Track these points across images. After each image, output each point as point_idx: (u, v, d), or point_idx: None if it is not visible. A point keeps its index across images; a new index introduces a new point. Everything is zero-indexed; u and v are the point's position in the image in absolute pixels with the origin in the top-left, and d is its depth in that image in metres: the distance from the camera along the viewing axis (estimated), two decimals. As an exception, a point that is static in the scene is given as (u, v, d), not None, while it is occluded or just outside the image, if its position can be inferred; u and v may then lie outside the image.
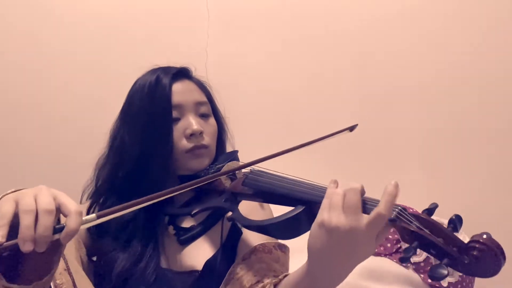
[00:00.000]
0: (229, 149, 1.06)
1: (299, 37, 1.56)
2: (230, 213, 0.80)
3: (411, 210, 1.34)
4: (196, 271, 0.84)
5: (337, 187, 0.67)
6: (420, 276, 1.23)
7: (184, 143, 0.90)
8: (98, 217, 0.59)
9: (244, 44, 1.56)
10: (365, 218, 0.60)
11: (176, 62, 1.01)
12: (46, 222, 0.54)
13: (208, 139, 0.93)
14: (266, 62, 1.56)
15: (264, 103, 1.57)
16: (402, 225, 0.60)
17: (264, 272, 0.81)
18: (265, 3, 1.55)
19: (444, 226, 0.60)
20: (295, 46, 1.56)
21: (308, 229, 0.68)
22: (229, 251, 0.89)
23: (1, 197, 0.59)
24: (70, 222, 0.55)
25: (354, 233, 0.60)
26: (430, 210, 0.63)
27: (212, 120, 0.97)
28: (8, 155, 1.56)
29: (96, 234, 0.90)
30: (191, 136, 0.90)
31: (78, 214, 0.55)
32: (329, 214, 0.62)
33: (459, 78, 1.55)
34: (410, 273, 1.24)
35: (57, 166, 1.56)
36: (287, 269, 0.88)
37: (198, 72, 1.04)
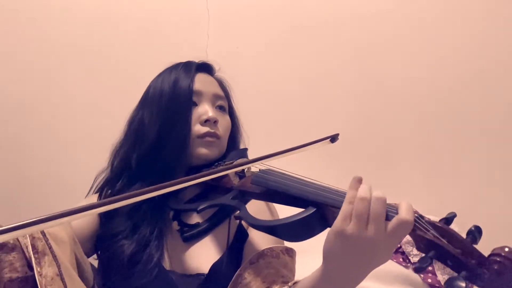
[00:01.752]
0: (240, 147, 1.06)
1: (299, 37, 1.56)
2: (237, 212, 0.78)
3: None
4: (202, 274, 0.82)
5: (357, 189, 0.63)
6: (420, 276, 1.23)
7: (198, 128, 0.90)
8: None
9: (244, 44, 1.56)
10: (388, 226, 0.58)
11: (176, 62, 1.01)
12: None
13: (221, 131, 0.94)
14: (266, 62, 1.56)
15: (264, 103, 1.57)
16: (418, 233, 0.57)
17: (273, 278, 0.80)
18: (265, 4, 1.55)
19: (462, 236, 0.57)
20: (295, 46, 1.56)
21: (317, 232, 0.66)
22: (235, 253, 0.86)
23: None
24: None
25: (376, 243, 0.58)
26: (448, 220, 0.59)
27: (227, 117, 0.99)
28: (8, 155, 1.56)
29: (104, 217, 0.89)
30: (206, 122, 0.91)
31: None
32: (353, 223, 0.59)
33: (459, 78, 1.55)
34: (410, 273, 1.24)
35: (58, 165, 1.56)
36: (294, 275, 0.86)
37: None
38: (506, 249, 0.52)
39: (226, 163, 0.90)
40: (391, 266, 1.25)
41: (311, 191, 0.70)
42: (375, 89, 1.56)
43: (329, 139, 0.84)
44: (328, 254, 0.64)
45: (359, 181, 0.65)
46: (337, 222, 0.61)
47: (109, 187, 0.93)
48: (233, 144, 1.02)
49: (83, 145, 1.54)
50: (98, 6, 1.54)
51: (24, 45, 1.53)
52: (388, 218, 0.58)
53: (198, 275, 0.82)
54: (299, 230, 0.68)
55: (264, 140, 1.56)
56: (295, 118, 1.57)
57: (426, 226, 0.57)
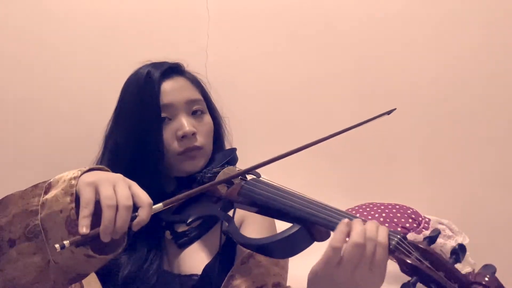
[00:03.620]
0: (227, 146, 1.05)
1: (300, 37, 1.56)
2: (226, 225, 0.77)
3: (413, 215, 1.34)
4: (196, 275, 0.83)
5: (349, 231, 0.58)
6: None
7: (175, 146, 0.87)
8: (165, 205, 0.64)
9: (244, 44, 1.56)
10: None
11: (194, 72, 1.00)
12: (126, 217, 0.59)
13: (202, 140, 0.90)
14: (266, 63, 1.56)
15: (264, 103, 1.57)
16: (400, 257, 0.57)
17: (263, 278, 0.80)
18: (265, 4, 1.55)
19: (445, 255, 0.57)
20: (296, 46, 1.56)
21: (305, 247, 0.66)
22: (227, 254, 0.87)
23: (80, 175, 0.64)
24: (142, 213, 0.61)
25: (364, 282, 0.57)
26: (432, 238, 0.58)
27: (206, 118, 0.94)
28: (7, 155, 1.55)
29: None
30: (183, 138, 0.87)
31: (150, 206, 0.62)
32: (342, 269, 0.57)
33: (460, 79, 1.55)
34: (410, 273, 1.24)
35: (56, 165, 1.56)
36: (286, 271, 0.87)
37: (198, 71, 1.03)
38: (487, 278, 0.52)
39: (214, 170, 0.89)
40: (391, 266, 1.24)
41: (297, 207, 0.68)
42: (376, 89, 1.56)
43: (386, 114, 0.87)
44: (312, 284, 0.63)
45: (347, 225, 0.59)
46: (321, 266, 0.59)
47: None
48: (219, 143, 1.00)
49: (83, 145, 1.54)
50: (98, 6, 1.53)
51: (24, 46, 1.53)
52: None
53: (192, 275, 0.84)
54: (284, 248, 0.67)
55: (264, 140, 1.56)
56: (295, 118, 1.56)
57: (409, 249, 0.57)
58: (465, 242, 1.29)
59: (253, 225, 0.90)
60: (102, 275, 0.86)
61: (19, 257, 0.63)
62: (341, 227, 0.59)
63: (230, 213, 0.81)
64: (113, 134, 0.93)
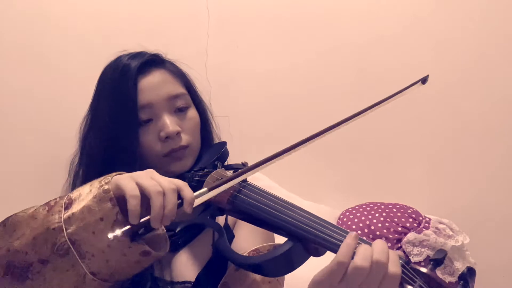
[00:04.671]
0: (215, 140, 1.01)
1: (300, 37, 1.56)
2: (216, 236, 0.71)
3: (414, 215, 1.33)
4: (189, 282, 0.81)
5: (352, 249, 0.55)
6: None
7: (159, 147, 0.83)
8: (210, 190, 0.64)
9: (244, 44, 1.56)
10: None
11: (176, 62, 1.00)
12: (174, 200, 0.60)
13: (188, 137, 0.85)
14: (266, 62, 1.56)
15: (264, 103, 1.56)
16: (404, 285, 0.53)
17: (258, 286, 0.78)
18: (265, 3, 1.55)
19: (448, 281, 0.55)
20: (296, 46, 1.56)
21: (301, 263, 0.63)
22: (220, 259, 0.84)
23: (110, 179, 0.64)
24: (186, 194, 0.61)
25: None
26: (437, 261, 0.54)
27: (191, 113, 0.88)
28: (6, 155, 1.55)
29: None
30: (167, 138, 0.82)
31: (187, 185, 0.63)
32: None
33: (460, 78, 1.55)
34: (410, 273, 1.24)
35: (53, 165, 1.56)
36: (283, 279, 0.84)
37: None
38: None
39: (201, 172, 0.83)
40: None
41: (292, 223, 0.63)
42: (376, 89, 1.56)
43: (420, 82, 0.79)
44: None
45: (355, 238, 0.56)
46: (324, 277, 0.56)
47: None
48: (207, 137, 0.94)
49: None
50: (98, 6, 1.53)
51: (24, 45, 1.53)
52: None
53: (185, 282, 0.81)
54: (279, 265, 0.62)
55: (264, 139, 1.56)
56: (295, 117, 1.56)
57: (412, 276, 0.54)
58: (466, 241, 1.29)
59: (246, 227, 0.84)
60: None
61: (54, 274, 0.63)
62: (349, 240, 0.56)
63: (221, 219, 0.76)
64: (88, 135, 0.89)
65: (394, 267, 0.53)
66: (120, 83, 0.81)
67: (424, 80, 0.77)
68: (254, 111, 1.56)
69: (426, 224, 1.29)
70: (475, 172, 1.54)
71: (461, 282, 0.53)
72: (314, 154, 1.49)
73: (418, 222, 1.29)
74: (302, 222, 0.63)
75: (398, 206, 1.35)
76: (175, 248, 0.85)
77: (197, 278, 0.81)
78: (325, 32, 1.56)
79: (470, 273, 0.53)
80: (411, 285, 0.53)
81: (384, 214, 1.31)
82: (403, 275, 0.53)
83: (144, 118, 0.82)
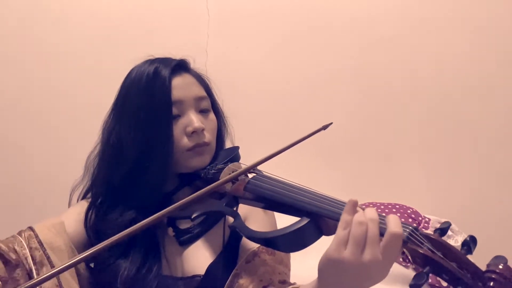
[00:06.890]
0: (228, 144, 1.04)
1: (299, 37, 1.56)
2: (232, 220, 0.76)
3: (413, 215, 1.34)
4: (198, 275, 0.82)
5: (353, 214, 0.60)
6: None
7: (185, 141, 0.86)
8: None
9: (244, 44, 1.56)
10: (381, 244, 0.57)
11: (198, 69, 1.00)
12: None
13: (209, 136, 0.89)
14: (266, 62, 1.56)
15: (264, 102, 1.57)
16: (412, 247, 0.56)
17: (270, 277, 0.80)
18: (265, 4, 1.56)
19: (456, 247, 0.57)
20: (295, 46, 1.57)
21: (312, 242, 0.66)
22: (231, 252, 0.87)
23: None
24: None
25: (373, 266, 0.57)
26: (443, 230, 0.58)
27: (212, 115, 0.93)
28: (6, 155, 1.55)
29: (94, 238, 0.86)
30: (193, 133, 0.86)
31: None
32: (350, 250, 0.57)
33: (460, 79, 1.55)
34: (410, 273, 1.24)
35: (55, 165, 1.56)
36: (289, 269, 0.87)
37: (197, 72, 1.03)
38: (501, 266, 0.53)
39: (218, 166, 0.88)
40: (393, 267, 1.25)
41: (305, 201, 0.68)
42: (376, 88, 1.56)
43: (322, 129, 0.81)
44: (322, 274, 0.63)
45: (354, 205, 0.60)
46: (332, 249, 0.59)
47: (93, 210, 0.88)
48: (220, 141, 0.98)
49: (83, 145, 1.54)
50: (98, 6, 1.54)
51: (24, 46, 1.53)
52: (380, 234, 0.58)
53: (195, 276, 0.83)
54: (294, 241, 0.67)
55: (264, 139, 1.56)
56: (295, 117, 1.57)
57: (420, 239, 0.57)
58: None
59: (255, 223, 0.89)
60: (99, 284, 0.84)
61: None
62: (349, 206, 0.60)
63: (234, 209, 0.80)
64: (115, 130, 0.90)
65: (396, 228, 0.56)
66: (155, 80, 0.86)
67: (325, 127, 0.83)
68: (254, 110, 1.57)
69: (426, 224, 1.29)
70: (475, 173, 1.55)
71: (465, 247, 0.57)
72: (314, 154, 1.49)
73: (418, 222, 1.29)
74: (313, 199, 0.68)
75: (397, 206, 1.35)
76: (188, 240, 0.87)
77: (207, 270, 0.82)
78: (325, 32, 1.56)
79: (472, 240, 0.57)
80: (420, 247, 0.56)
81: (384, 214, 1.31)
82: (412, 238, 0.56)
83: (174, 113, 0.87)
